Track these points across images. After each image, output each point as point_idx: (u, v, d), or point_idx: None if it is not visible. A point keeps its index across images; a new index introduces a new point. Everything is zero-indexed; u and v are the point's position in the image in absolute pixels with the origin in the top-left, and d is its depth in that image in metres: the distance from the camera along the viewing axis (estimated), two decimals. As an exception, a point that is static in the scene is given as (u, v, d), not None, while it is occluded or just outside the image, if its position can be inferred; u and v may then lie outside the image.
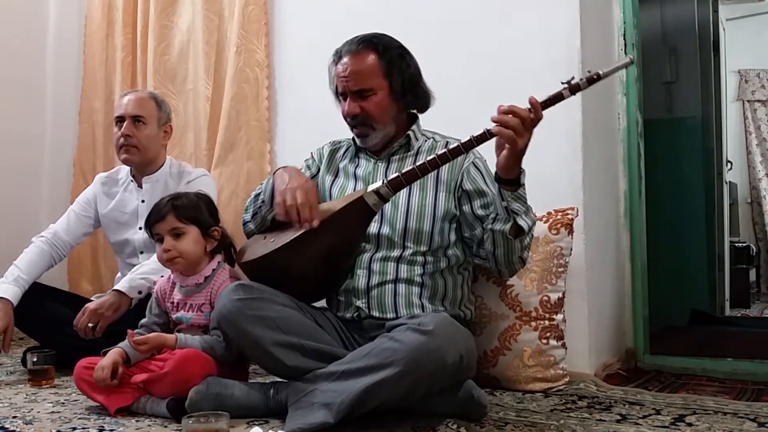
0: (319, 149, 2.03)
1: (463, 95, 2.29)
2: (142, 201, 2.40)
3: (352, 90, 1.80)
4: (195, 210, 1.86)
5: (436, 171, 1.74)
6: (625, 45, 2.47)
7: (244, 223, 1.94)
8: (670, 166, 3.66)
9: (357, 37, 1.85)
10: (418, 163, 1.63)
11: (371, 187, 1.67)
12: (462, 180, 1.81)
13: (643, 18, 2.65)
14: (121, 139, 2.34)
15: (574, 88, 1.50)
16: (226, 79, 2.96)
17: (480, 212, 1.78)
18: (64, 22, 3.55)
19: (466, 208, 1.80)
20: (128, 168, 2.49)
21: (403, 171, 1.64)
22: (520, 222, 1.63)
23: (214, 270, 1.88)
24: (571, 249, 2.04)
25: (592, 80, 1.49)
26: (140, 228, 2.38)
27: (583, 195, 2.16)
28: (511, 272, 1.79)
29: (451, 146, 1.60)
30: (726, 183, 4.38)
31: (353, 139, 1.93)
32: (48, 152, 3.52)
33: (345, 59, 1.82)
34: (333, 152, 1.99)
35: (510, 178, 1.58)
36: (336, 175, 1.94)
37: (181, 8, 3.16)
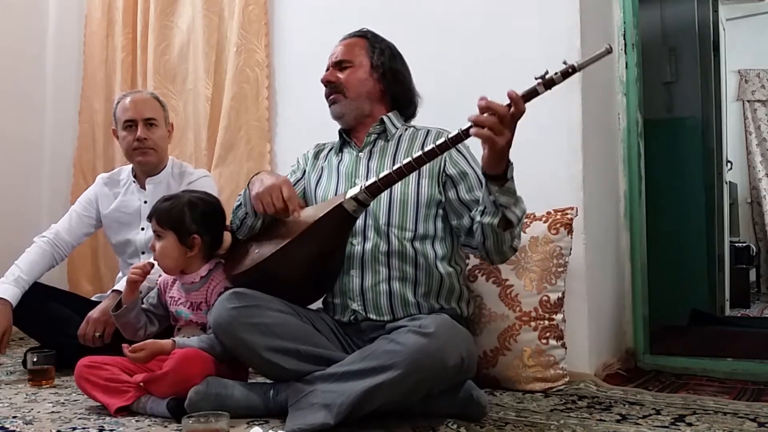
0: (304, 154, 2.05)
1: (463, 96, 2.26)
2: (145, 202, 2.40)
3: (334, 61, 1.92)
4: (176, 216, 1.86)
5: None
6: (625, 45, 2.47)
7: (232, 233, 1.93)
8: (670, 166, 3.66)
9: None
10: (395, 167, 1.59)
11: (350, 193, 1.64)
12: (445, 165, 1.79)
13: (643, 18, 2.66)
14: (136, 143, 2.34)
15: (548, 83, 1.42)
16: (226, 79, 2.96)
17: (466, 197, 1.75)
18: (64, 22, 3.56)
19: (452, 194, 1.78)
20: (129, 169, 2.49)
21: (380, 176, 1.61)
22: (509, 215, 1.56)
23: (210, 270, 1.90)
24: (571, 249, 2.04)
25: (567, 73, 1.41)
26: (142, 229, 2.39)
27: (583, 195, 2.16)
28: (502, 260, 1.75)
29: (426, 148, 1.56)
30: (726, 183, 4.38)
31: (339, 133, 1.96)
32: (48, 152, 3.53)
33: (338, 43, 1.96)
34: (317, 153, 2.02)
35: (496, 173, 1.52)
36: (320, 175, 1.95)
37: (181, 8, 3.17)
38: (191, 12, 3.11)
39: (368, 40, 1.94)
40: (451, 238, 1.83)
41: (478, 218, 1.64)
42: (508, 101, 1.42)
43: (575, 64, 1.41)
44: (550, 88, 1.43)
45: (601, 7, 2.44)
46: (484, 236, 1.64)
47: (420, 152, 1.56)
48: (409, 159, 1.57)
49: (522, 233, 1.78)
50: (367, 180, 1.74)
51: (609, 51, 1.40)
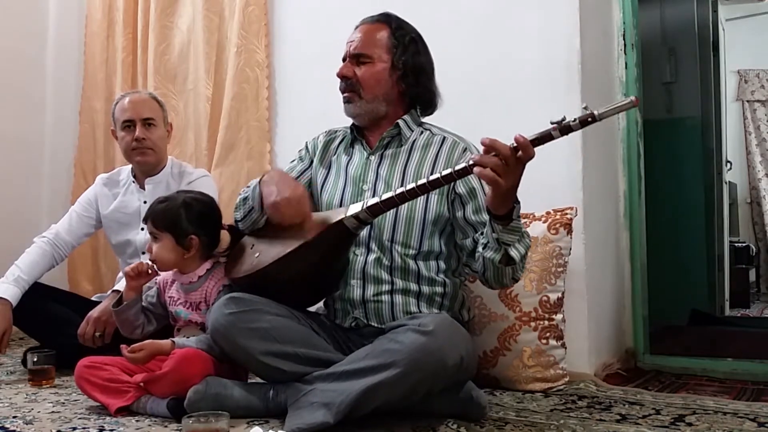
0: (314, 139, 1.97)
1: (463, 97, 2.29)
2: (144, 202, 2.40)
3: (352, 53, 1.80)
4: (172, 218, 1.86)
5: (429, 172, 1.73)
6: (625, 45, 2.48)
7: (236, 222, 1.91)
8: (669, 166, 3.66)
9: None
10: (397, 192, 1.55)
11: (351, 211, 1.61)
12: (455, 182, 1.72)
13: (643, 18, 2.66)
14: (134, 143, 2.34)
15: (564, 129, 1.34)
16: (226, 80, 2.96)
17: (473, 218, 1.71)
18: (64, 22, 3.56)
19: (459, 214, 1.72)
20: (129, 169, 2.49)
21: (383, 198, 1.57)
22: (512, 252, 1.53)
23: (208, 270, 1.89)
24: (570, 249, 2.04)
25: (585, 122, 1.33)
26: (142, 229, 2.39)
27: (583, 195, 2.17)
28: (502, 288, 1.74)
29: (431, 177, 1.50)
30: (726, 183, 4.38)
31: (351, 128, 1.89)
32: (48, 152, 3.54)
33: (358, 27, 1.84)
34: (327, 143, 1.93)
35: (501, 214, 1.47)
36: (327, 174, 1.89)
37: (181, 8, 3.17)
38: (191, 12, 3.11)
39: (391, 29, 1.80)
40: (456, 253, 1.80)
41: (480, 250, 1.61)
42: (517, 130, 1.37)
43: (595, 114, 1.32)
44: (566, 134, 1.36)
45: (601, 7, 2.45)
46: (484, 267, 1.62)
47: (425, 180, 1.50)
48: (413, 185, 1.52)
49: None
50: (375, 189, 1.74)
51: (633, 105, 1.33)
